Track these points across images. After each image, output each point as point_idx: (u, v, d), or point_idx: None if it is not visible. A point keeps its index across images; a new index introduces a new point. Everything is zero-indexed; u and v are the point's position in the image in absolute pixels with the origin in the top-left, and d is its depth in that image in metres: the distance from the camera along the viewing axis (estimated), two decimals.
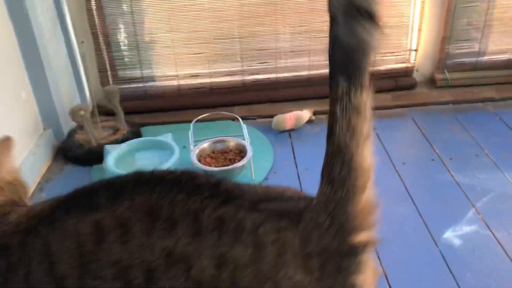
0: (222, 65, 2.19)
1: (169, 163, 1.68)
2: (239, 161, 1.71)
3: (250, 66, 2.20)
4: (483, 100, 2.15)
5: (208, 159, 1.75)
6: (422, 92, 2.22)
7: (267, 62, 2.20)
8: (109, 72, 2.15)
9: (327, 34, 0.60)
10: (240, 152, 1.77)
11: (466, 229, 1.44)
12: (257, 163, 1.77)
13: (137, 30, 2.07)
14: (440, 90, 2.22)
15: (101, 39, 2.07)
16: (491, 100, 2.15)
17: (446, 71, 2.23)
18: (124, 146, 1.81)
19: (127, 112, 2.03)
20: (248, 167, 1.71)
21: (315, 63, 2.21)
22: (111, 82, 2.16)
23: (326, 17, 0.59)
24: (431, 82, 2.25)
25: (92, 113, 2.00)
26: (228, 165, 1.69)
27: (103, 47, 2.09)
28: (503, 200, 1.56)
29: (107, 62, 2.13)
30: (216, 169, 1.65)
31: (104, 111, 2.06)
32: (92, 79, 2.09)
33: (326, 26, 0.60)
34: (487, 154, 1.80)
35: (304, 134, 2.01)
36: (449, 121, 2.03)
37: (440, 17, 2.13)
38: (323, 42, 2.14)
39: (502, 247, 1.37)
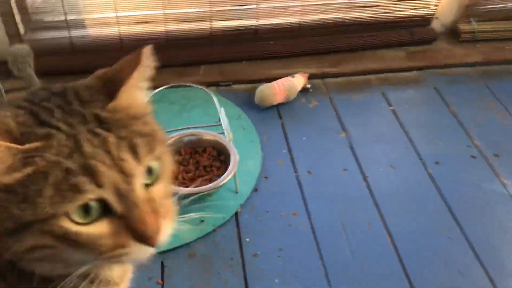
0: (181, 6, 1.57)
1: None
2: (216, 169, 1.20)
3: (221, 9, 1.60)
4: None
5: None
6: (443, 49, 1.73)
7: (245, 4, 1.61)
8: (17, 17, 1.48)
9: None
10: (219, 155, 1.24)
11: None
12: (241, 165, 1.25)
13: None
14: (465, 46, 1.73)
15: None
16: None
17: (472, 20, 1.73)
18: None
19: (45, 73, 1.42)
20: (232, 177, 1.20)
21: (308, 6, 1.64)
22: (21, 30, 1.50)
23: None
24: (454, 34, 1.76)
25: None
26: (204, 178, 1.18)
27: None
28: None
29: (13, 3, 1.45)
30: (188, 189, 1.12)
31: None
32: None
33: None
34: None
35: (298, 111, 1.50)
36: (481, 92, 1.58)
37: None
38: None
39: None
